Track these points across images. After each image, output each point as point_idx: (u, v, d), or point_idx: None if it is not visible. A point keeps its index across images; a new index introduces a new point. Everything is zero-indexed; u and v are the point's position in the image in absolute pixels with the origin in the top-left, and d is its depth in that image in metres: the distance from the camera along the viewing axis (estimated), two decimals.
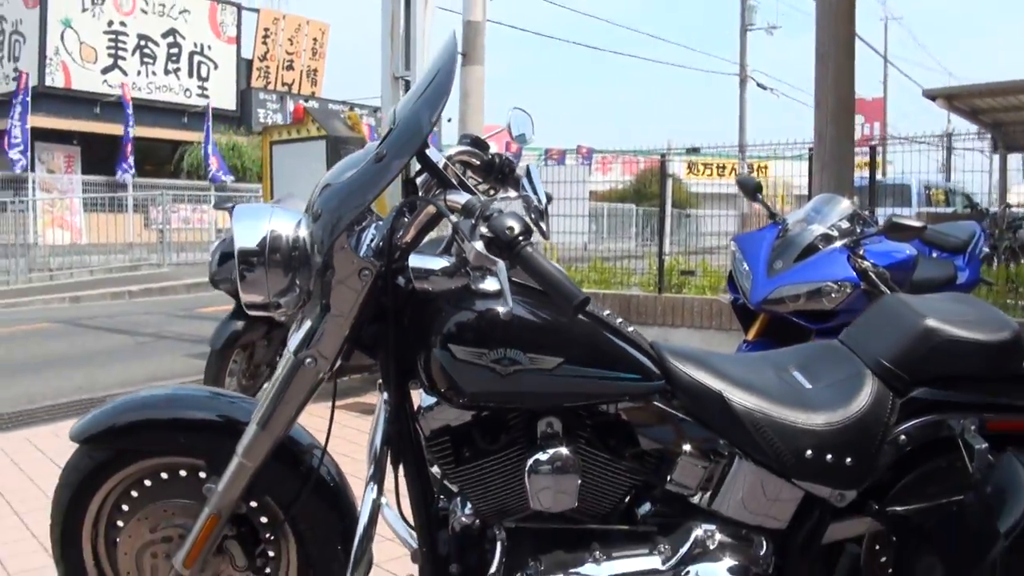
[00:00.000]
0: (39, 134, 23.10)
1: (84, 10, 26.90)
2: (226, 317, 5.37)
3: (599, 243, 12.64)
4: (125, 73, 27.64)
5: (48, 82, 25.93)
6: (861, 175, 8.47)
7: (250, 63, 31.07)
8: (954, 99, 12.71)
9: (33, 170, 21.82)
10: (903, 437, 2.34)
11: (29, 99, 20.60)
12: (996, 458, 2.31)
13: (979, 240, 5.37)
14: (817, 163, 6.41)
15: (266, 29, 30.82)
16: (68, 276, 17.81)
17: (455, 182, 2.21)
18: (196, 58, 29.87)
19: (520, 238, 1.95)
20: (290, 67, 32.04)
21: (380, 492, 2.20)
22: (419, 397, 2.27)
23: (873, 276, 4.14)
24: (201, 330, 9.22)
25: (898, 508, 2.42)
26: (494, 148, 2.65)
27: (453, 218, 2.05)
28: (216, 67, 30.18)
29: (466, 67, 11.32)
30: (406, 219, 2.19)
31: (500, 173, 2.58)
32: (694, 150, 10.95)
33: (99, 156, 24.82)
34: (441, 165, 2.25)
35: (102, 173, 23.50)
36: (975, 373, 2.39)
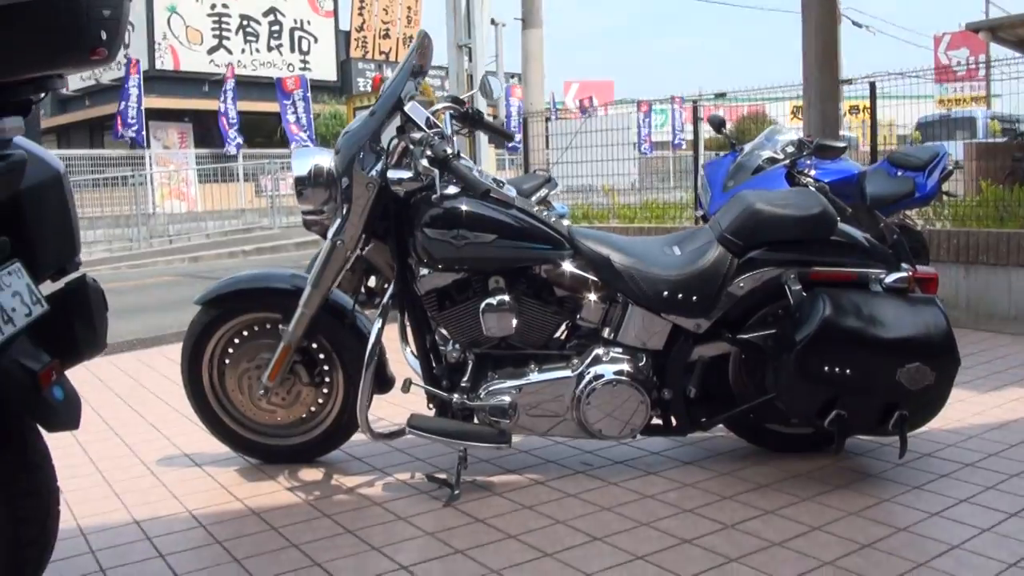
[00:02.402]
0: (152, 114, 24.96)
1: None
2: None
3: (654, 188, 13.86)
4: (230, 52, 29.51)
5: (159, 65, 27.79)
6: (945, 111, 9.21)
7: (348, 35, 32.69)
8: (998, 30, 13.09)
9: (149, 147, 23.66)
10: (741, 284, 3.41)
11: (141, 82, 22.34)
12: (809, 295, 3.33)
13: (940, 160, 6.30)
14: (805, 102, 7.41)
15: (362, 1, 32.05)
16: (186, 240, 19.44)
17: (426, 125, 3.40)
18: (296, 34, 31.38)
19: (450, 155, 3.21)
20: (386, 36, 33.47)
21: (384, 322, 3.39)
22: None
23: (813, 189, 5.19)
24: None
25: (745, 335, 3.48)
26: (479, 103, 3.85)
27: (411, 147, 3.33)
28: (316, 41, 31.71)
29: (526, 31, 12.44)
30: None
31: (472, 119, 3.79)
32: (721, 95, 11.78)
33: (210, 131, 26.51)
34: (423, 117, 3.44)
35: (213, 146, 25.40)
36: (794, 238, 3.43)
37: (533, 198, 6.24)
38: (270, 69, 29.99)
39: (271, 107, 25.94)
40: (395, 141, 3.40)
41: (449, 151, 3.23)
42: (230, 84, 24.40)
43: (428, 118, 3.43)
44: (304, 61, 31.75)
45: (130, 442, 4.21)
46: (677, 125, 30.26)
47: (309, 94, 24.26)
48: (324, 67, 32.22)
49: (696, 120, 10.49)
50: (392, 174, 3.34)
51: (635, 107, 13.38)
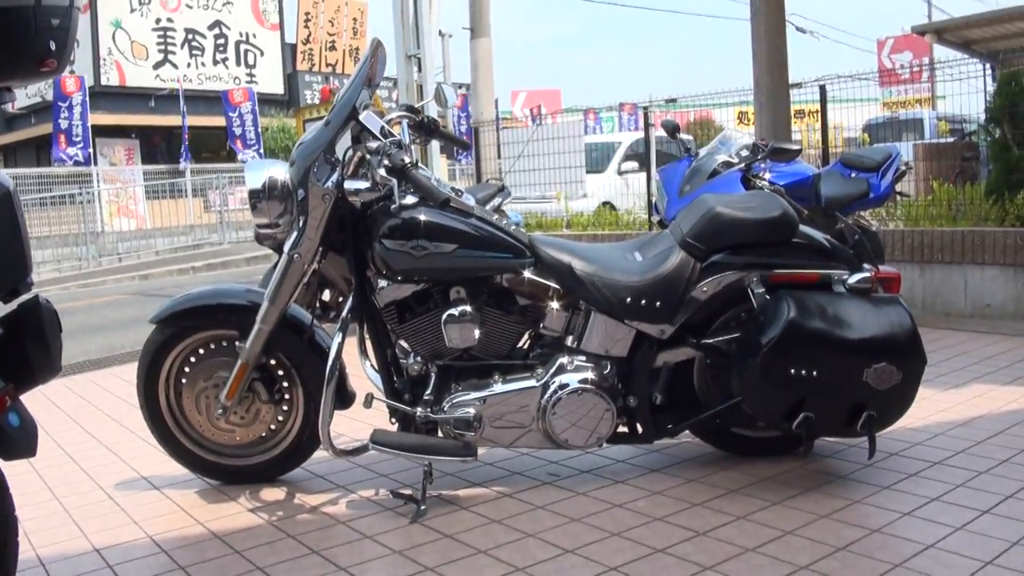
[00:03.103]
0: (99, 130, 24.70)
1: (132, 10, 28.23)
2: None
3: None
4: (176, 67, 29.05)
5: (104, 81, 27.43)
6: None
7: (294, 47, 32.52)
8: (944, 33, 13.28)
9: (96, 164, 23.28)
10: (704, 288, 3.38)
11: (87, 99, 21.97)
12: (773, 298, 3.31)
13: (893, 161, 6.34)
14: (756, 106, 7.44)
15: (307, 13, 32.06)
16: (136, 258, 19.19)
17: (381, 135, 3.35)
18: (242, 47, 31.17)
19: (408, 164, 3.17)
20: (332, 47, 33.36)
21: (344, 336, 3.32)
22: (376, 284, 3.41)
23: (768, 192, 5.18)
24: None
25: (709, 340, 3.47)
26: (431, 112, 3.82)
27: (368, 157, 3.27)
28: (262, 54, 31.52)
29: (474, 41, 12.40)
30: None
31: (427, 129, 3.75)
32: (671, 101, 11.83)
33: (157, 147, 26.12)
34: (379, 126, 3.39)
35: (160, 162, 25.12)
36: (755, 241, 3.42)
37: (489, 205, 6.18)
38: (216, 83, 29.72)
39: (218, 121, 25.67)
40: (351, 151, 3.36)
41: (407, 160, 3.19)
42: (183, 97, 24.33)
43: (383, 127, 3.39)
44: (250, 74, 31.49)
45: (87, 467, 4.12)
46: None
47: (257, 107, 24.11)
48: (271, 80, 32.03)
49: (647, 126, 10.55)
50: (349, 185, 3.29)
51: (583, 115, 13.38)
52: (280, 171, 3.38)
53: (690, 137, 10.55)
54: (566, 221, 10.37)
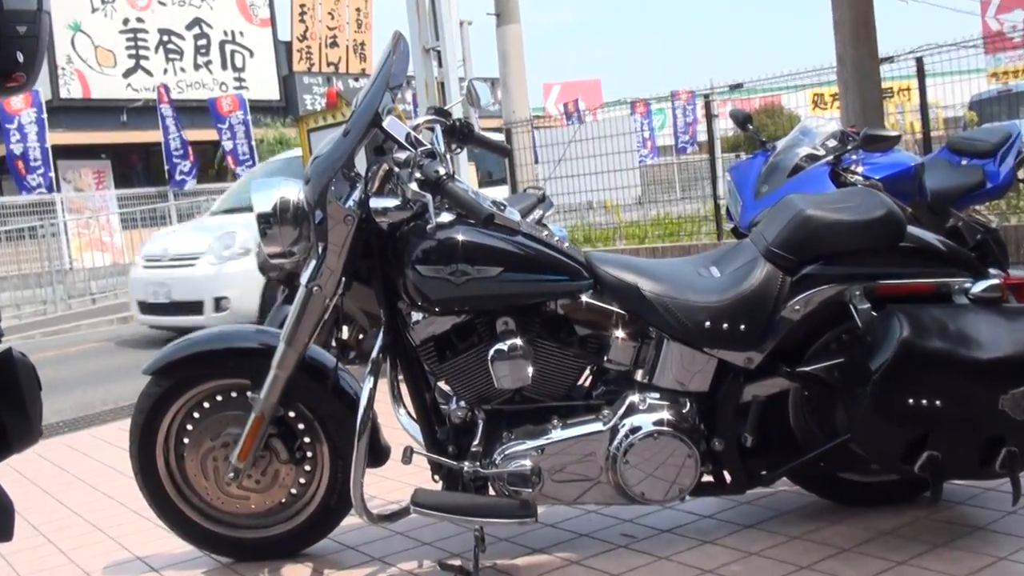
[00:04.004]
0: (61, 151, 24.68)
1: (95, 10, 28.33)
2: (278, 303, 6.55)
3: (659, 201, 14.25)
4: (150, 74, 29.36)
5: (64, 94, 27.51)
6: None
7: (289, 46, 32.41)
8: None
9: (58, 191, 23.26)
10: (796, 307, 3.35)
11: (44, 117, 21.75)
12: (880, 314, 3.26)
13: (1013, 142, 6.20)
14: (841, 86, 7.42)
15: (302, 5, 31.83)
16: (112, 298, 19.18)
17: (409, 144, 3.36)
18: (228, 47, 31.36)
19: (444, 177, 3.17)
20: (334, 44, 33.15)
21: (376, 383, 3.33)
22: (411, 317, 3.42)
23: (865, 188, 5.12)
24: None
25: (806, 368, 3.41)
26: (458, 114, 3.84)
27: (396, 169, 3.28)
28: (252, 55, 31.72)
29: (502, 28, 12.40)
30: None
31: (460, 134, 3.76)
32: (736, 86, 11.79)
33: (133, 168, 26.18)
34: (403, 134, 3.40)
35: (138, 185, 25.24)
36: (855, 248, 3.37)
37: (528, 219, 6.17)
38: (199, 90, 30.06)
39: (204, 135, 25.79)
40: (376, 165, 3.40)
41: (442, 171, 3.20)
42: (166, 109, 24.18)
43: (410, 135, 3.41)
44: (239, 79, 31.87)
45: (67, 548, 4.14)
46: (679, 126, 30.42)
47: (249, 116, 24.07)
48: (264, 85, 32.34)
49: (710, 117, 10.51)
50: (375, 203, 3.32)
51: (630, 108, 13.44)
52: (293, 190, 3.41)
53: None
54: (619, 234, 10.33)
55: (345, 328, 4.36)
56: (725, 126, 11.59)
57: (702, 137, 24.24)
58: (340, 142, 3.38)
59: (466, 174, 8.10)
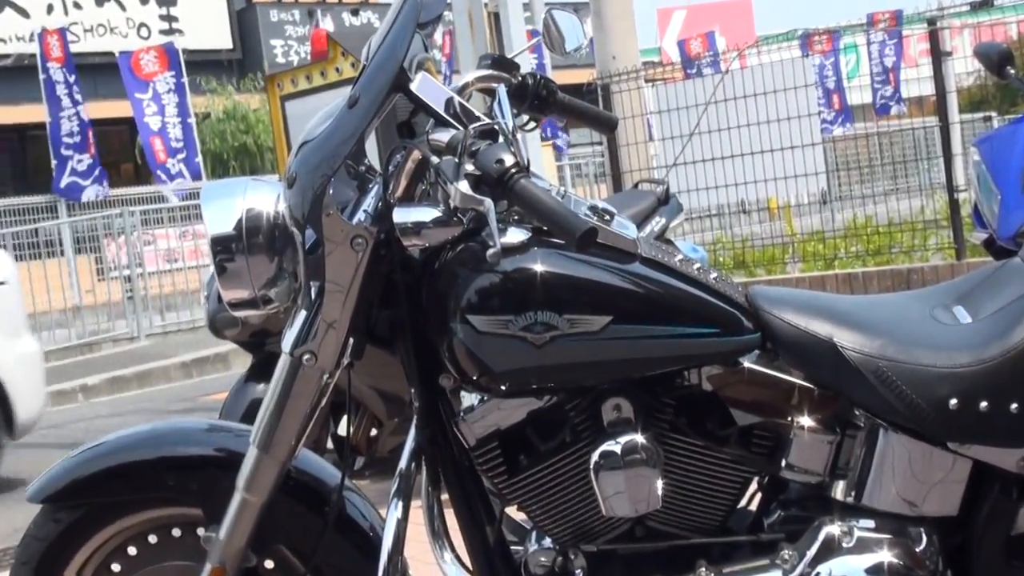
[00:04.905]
0: None
1: None
2: (239, 381, 5.47)
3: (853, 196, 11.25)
4: (26, 15, 22.63)
5: None
6: None
7: None
8: None
9: None
10: None
11: None
12: None
13: None
14: None
15: None
16: None
17: (453, 117, 2.41)
18: None
19: (512, 170, 2.20)
20: None
21: (406, 511, 2.45)
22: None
23: None
24: None
25: None
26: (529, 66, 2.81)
27: (435, 159, 2.33)
28: None
29: None
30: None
31: (536, 98, 2.80)
32: (982, 4, 9.09)
33: (5, 167, 21.51)
34: (443, 101, 2.44)
35: (11, 194, 19.67)
36: None
37: (641, 234, 4.77)
38: (104, 39, 23.70)
39: (113, 109, 20.25)
40: (401, 153, 2.46)
41: (509, 161, 2.25)
42: (54, 68, 17.85)
43: (453, 102, 2.48)
44: (169, 18, 24.88)
45: None
46: (876, 72, 20.85)
47: (185, 79, 17.95)
48: (207, 26, 24.93)
49: (938, 56, 8.21)
50: (401, 215, 2.36)
51: (802, 47, 10.46)
52: (266, 198, 2.51)
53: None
54: (793, 253, 8.80)
55: (345, 420, 3.36)
56: (966, 68, 8.57)
57: (916, 90, 18.14)
58: (342, 118, 2.44)
59: (542, 164, 6.47)
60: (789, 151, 8.44)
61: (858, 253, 8.29)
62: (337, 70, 6.78)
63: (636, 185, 7.71)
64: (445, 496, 2.54)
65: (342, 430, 3.46)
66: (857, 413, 2.46)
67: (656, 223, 5.33)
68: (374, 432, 3.51)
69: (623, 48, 9.93)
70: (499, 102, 2.62)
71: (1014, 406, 2.32)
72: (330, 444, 3.41)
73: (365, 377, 2.70)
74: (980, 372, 2.36)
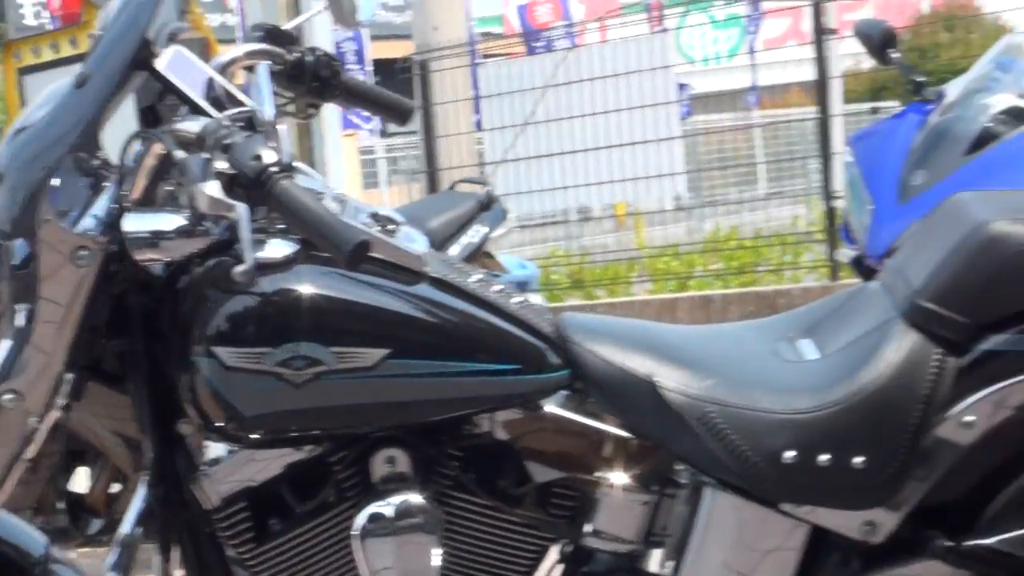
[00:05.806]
0: None
1: None
2: None
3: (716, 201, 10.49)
4: None
5: None
6: None
7: None
8: None
9: None
10: (969, 417, 2.11)
11: None
12: None
13: None
14: None
15: None
16: None
17: (207, 103, 2.12)
18: None
19: (271, 169, 1.92)
20: None
21: None
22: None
23: None
24: None
25: (987, 541, 2.18)
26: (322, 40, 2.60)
27: (179, 154, 2.06)
28: None
29: None
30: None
31: (316, 80, 2.52)
32: None
33: None
34: (200, 82, 2.18)
35: None
36: None
37: (456, 246, 4.68)
38: None
39: None
40: (139, 142, 2.16)
41: (269, 159, 1.95)
42: None
43: (212, 83, 2.24)
44: None
45: None
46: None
47: None
48: None
49: (819, 35, 7.57)
50: (132, 222, 2.06)
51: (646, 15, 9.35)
52: None
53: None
54: (640, 270, 8.34)
55: (84, 471, 2.97)
56: (849, 50, 7.73)
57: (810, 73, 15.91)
58: (68, 100, 2.14)
59: (337, 159, 5.84)
60: (641, 146, 7.56)
61: (718, 272, 7.82)
62: (92, 37, 6.04)
63: (454, 185, 6.84)
64: (179, 572, 2.27)
65: (76, 486, 3.09)
66: (679, 468, 2.25)
67: (475, 233, 4.93)
68: (116, 488, 3.11)
69: (448, 16, 8.63)
70: (262, 82, 2.31)
71: (858, 460, 2.10)
72: (62, 504, 3.04)
73: (106, 421, 2.34)
74: (821, 419, 2.13)
